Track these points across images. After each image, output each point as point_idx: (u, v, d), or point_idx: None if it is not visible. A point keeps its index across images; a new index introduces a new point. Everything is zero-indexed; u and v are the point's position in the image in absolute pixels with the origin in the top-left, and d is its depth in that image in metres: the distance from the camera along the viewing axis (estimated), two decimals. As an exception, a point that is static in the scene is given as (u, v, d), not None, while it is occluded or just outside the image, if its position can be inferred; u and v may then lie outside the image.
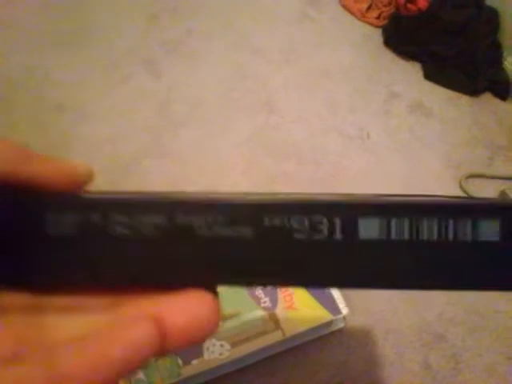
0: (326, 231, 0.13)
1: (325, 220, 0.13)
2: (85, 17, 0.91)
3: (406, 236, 0.13)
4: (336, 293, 0.43)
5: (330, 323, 0.43)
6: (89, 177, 0.15)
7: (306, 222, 0.13)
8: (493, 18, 0.79)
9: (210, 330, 0.13)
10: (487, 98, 0.77)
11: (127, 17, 0.93)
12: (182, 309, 0.13)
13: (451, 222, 0.13)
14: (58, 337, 0.12)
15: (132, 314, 0.13)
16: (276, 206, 0.13)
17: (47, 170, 0.13)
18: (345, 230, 0.13)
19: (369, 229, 0.13)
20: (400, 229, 0.13)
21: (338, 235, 0.13)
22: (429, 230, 0.13)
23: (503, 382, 0.44)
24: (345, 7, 0.96)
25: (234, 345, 0.40)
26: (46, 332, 0.13)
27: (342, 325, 0.45)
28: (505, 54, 0.81)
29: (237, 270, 0.13)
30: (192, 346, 0.13)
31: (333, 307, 0.42)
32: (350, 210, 0.13)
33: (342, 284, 0.13)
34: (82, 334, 0.12)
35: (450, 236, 0.13)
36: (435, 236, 0.13)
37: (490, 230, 0.13)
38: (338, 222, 0.13)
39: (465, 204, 0.13)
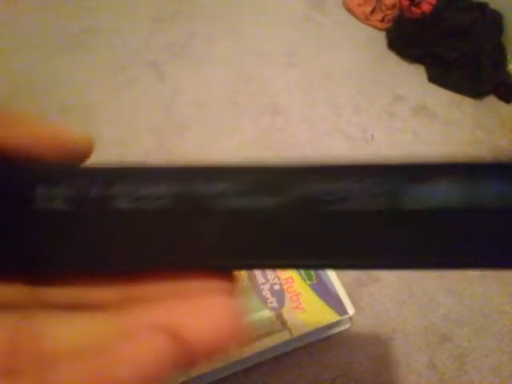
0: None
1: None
2: (89, 19, 0.92)
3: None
4: (342, 293, 0.43)
5: (336, 323, 0.43)
6: (87, 146, 0.12)
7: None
8: (497, 21, 0.80)
9: (235, 335, 0.10)
10: (491, 101, 0.77)
11: (131, 19, 0.93)
12: (200, 316, 0.10)
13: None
14: (56, 346, 0.10)
15: (142, 322, 0.10)
16: (303, 172, 0.11)
17: (35, 134, 0.11)
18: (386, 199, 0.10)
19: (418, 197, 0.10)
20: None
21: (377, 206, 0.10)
22: None
23: (509, 383, 0.44)
24: (349, 10, 0.96)
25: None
26: (41, 339, 0.10)
27: (348, 325, 0.45)
28: (509, 57, 0.82)
29: (255, 249, 0.11)
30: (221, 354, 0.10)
31: (339, 307, 0.42)
32: (398, 175, 0.10)
33: (380, 265, 0.11)
34: (84, 343, 0.10)
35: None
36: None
37: None
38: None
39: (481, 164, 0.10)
